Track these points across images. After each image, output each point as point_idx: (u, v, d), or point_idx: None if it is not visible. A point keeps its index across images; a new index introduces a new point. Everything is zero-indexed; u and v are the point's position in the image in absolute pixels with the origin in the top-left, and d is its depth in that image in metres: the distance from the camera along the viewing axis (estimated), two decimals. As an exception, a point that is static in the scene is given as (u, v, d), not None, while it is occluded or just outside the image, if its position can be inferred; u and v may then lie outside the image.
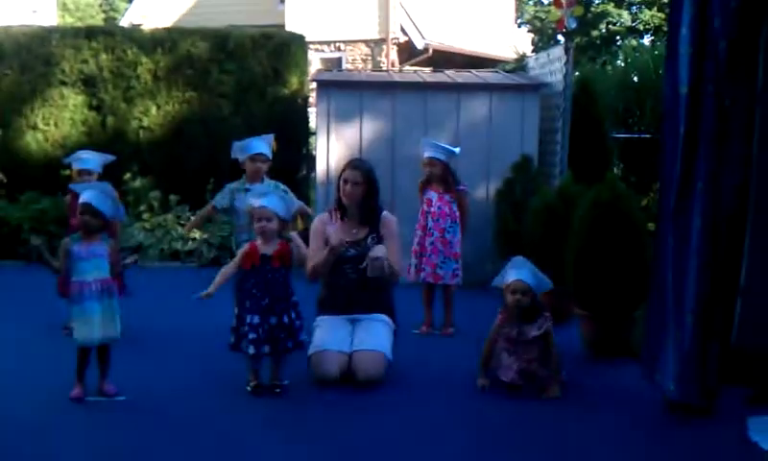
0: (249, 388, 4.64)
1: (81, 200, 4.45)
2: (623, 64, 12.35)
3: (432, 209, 6.21)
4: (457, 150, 6.42)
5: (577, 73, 9.55)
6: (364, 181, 5.16)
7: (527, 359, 4.72)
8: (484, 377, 4.85)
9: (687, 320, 4.11)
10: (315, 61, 17.08)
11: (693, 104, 4.06)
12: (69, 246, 4.41)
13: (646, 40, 18.38)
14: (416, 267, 6.22)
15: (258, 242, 4.67)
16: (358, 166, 5.24)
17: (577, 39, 13.82)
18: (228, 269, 4.71)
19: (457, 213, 6.24)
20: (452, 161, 6.33)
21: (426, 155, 6.23)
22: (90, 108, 10.25)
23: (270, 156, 5.81)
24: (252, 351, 4.57)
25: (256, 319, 4.57)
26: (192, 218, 6.00)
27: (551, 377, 4.71)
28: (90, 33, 10.30)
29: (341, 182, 5.21)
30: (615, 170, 9.63)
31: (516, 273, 4.84)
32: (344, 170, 5.24)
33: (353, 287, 5.13)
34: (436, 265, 6.15)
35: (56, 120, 10.18)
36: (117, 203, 4.59)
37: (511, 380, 4.73)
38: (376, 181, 5.26)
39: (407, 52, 19.45)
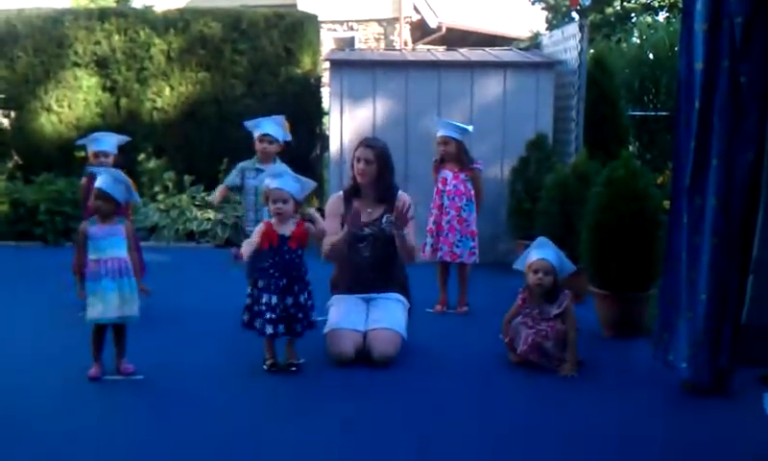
0: (265, 366, 4.66)
1: (95, 185, 4.48)
2: (638, 41, 12.23)
3: (447, 188, 6.19)
4: (470, 128, 6.39)
5: (591, 50, 9.47)
6: (376, 159, 5.15)
7: (542, 335, 4.73)
8: (514, 355, 4.87)
9: (701, 298, 4.09)
10: (327, 41, 17.01)
11: (708, 80, 4.02)
12: (87, 228, 4.44)
13: (661, 17, 18.16)
14: (431, 246, 6.21)
15: (273, 222, 4.67)
16: (371, 144, 5.24)
17: (591, 17, 13.70)
18: (250, 245, 4.68)
19: (472, 191, 6.22)
20: (466, 140, 6.31)
21: (440, 133, 6.21)
22: (104, 89, 10.28)
23: (280, 137, 5.76)
24: (269, 330, 4.59)
25: (274, 299, 4.58)
26: (214, 193, 5.97)
27: (563, 356, 4.71)
28: (103, 14, 10.32)
29: (354, 161, 5.21)
30: (630, 148, 9.57)
31: (540, 252, 4.85)
32: (357, 149, 5.24)
33: (368, 266, 5.14)
34: (453, 244, 6.14)
35: (70, 102, 10.22)
36: (130, 188, 4.60)
37: (522, 352, 4.76)
38: (390, 160, 5.25)
39: (420, 31, 19.35)
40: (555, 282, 4.81)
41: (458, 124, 6.33)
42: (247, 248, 4.62)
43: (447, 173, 6.21)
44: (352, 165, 5.25)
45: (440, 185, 6.24)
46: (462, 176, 6.20)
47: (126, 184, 4.56)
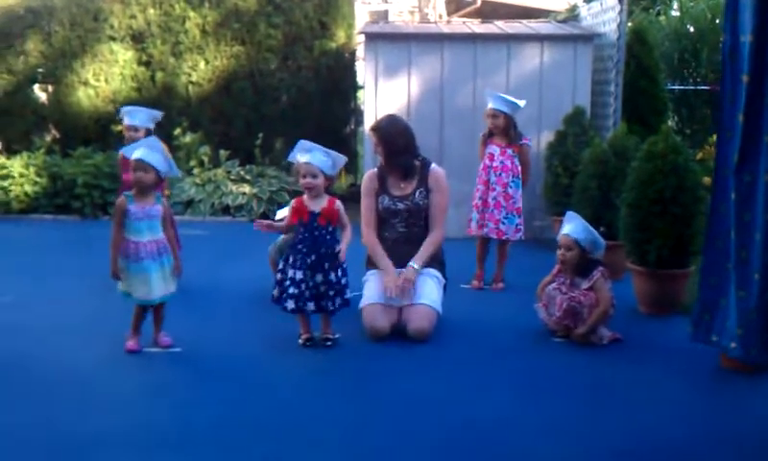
0: (300, 341, 4.68)
1: (132, 157, 4.48)
2: (677, 14, 11.99)
3: (494, 164, 6.11)
4: (522, 103, 6.26)
5: (630, 23, 9.31)
6: (381, 141, 5.13)
7: (576, 300, 4.72)
8: (549, 320, 4.90)
9: (754, 278, 3.99)
10: (361, 14, 16.92)
11: (758, 53, 3.91)
12: (125, 205, 4.44)
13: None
14: (477, 222, 6.16)
15: (305, 197, 4.67)
16: (374, 128, 5.24)
17: (630, -12, 13.48)
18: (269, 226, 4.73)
19: (519, 168, 6.15)
20: (516, 115, 6.20)
21: (490, 106, 6.10)
22: (140, 63, 10.33)
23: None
24: (290, 306, 4.59)
25: (299, 274, 4.58)
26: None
27: (591, 322, 4.72)
28: (138, -13, 10.33)
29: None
30: (669, 122, 9.41)
31: (566, 227, 4.88)
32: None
33: (403, 241, 5.12)
34: (499, 221, 6.08)
35: (106, 76, 10.29)
36: (166, 155, 4.60)
37: (557, 319, 4.78)
38: (400, 137, 5.15)
39: (455, 3, 19.13)
40: (582, 258, 4.81)
41: (509, 98, 6.22)
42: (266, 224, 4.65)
43: (494, 148, 6.13)
44: None
45: (486, 161, 6.15)
46: (509, 151, 6.11)
47: (160, 150, 4.55)
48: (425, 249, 5.05)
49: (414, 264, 4.97)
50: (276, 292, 4.70)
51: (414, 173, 5.16)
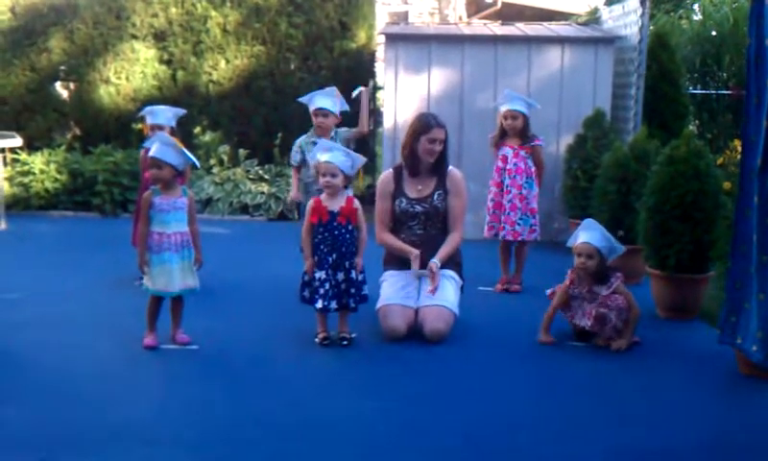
0: (317, 340, 4.68)
1: (148, 155, 4.54)
2: (700, 18, 11.92)
3: (508, 166, 6.09)
4: (538, 104, 6.26)
5: (652, 27, 9.25)
6: (444, 140, 5.11)
7: (605, 306, 4.67)
8: (546, 335, 4.84)
9: None
10: (382, 15, 16.91)
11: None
12: (152, 197, 4.49)
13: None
14: (489, 224, 6.15)
15: (323, 197, 4.68)
16: (441, 124, 5.10)
17: (651, -8, 13.41)
18: (305, 233, 4.72)
19: (533, 168, 6.13)
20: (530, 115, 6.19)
21: (509, 107, 6.06)
22: (161, 61, 10.37)
23: (335, 109, 5.72)
24: (319, 305, 4.61)
25: (323, 274, 4.60)
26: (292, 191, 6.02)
27: (622, 328, 4.68)
28: (161, -14, 10.37)
29: (423, 141, 5.04)
30: (691, 127, 9.35)
31: (584, 235, 4.80)
32: (425, 129, 5.04)
33: (420, 243, 5.10)
34: (514, 223, 6.07)
35: (127, 74, 10.34)
36: (178, 148, 4.61)
37: (587, 326, 4.74)
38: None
39: (475, 5, 19.11)
40: (601, 265, 4.76)
41: (526, 98, 6.20)
42: (305, 248, 4.71)
43: (507, 150, 6.11)
44: (411, 143, 5.12)
45: (499, 163, 6.14)
46: (522, 153, 6.09)
47: (172, 145, 4.58)
48: (445, 248, 5.03)
49: (435, 260, 4.95)
50: (306, 293, 4.71)
51: (441, 172, 5.15)
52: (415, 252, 4.98)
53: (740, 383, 4.22)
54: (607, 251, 4.78)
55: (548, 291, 5.04)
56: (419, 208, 5.10)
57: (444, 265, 5.12)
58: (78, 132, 10.61)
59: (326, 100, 5.68)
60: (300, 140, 5.84)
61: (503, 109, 6.11)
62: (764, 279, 4.03)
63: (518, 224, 6.06)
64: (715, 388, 4.18)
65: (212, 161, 9.76)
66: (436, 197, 5.10)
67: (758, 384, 4.14)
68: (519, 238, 6.10)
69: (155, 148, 4.51)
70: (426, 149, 5.04)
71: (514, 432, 3.58)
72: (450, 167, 5.21)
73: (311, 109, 5.70)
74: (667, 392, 4.11)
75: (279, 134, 9.83)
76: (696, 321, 5.34)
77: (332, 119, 5.69)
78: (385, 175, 5.34)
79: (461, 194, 5.16)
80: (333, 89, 5.81)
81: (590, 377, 4.33)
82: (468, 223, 5.80)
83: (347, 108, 5.82)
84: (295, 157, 5.85)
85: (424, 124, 5.07)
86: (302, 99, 5.82)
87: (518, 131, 6.07)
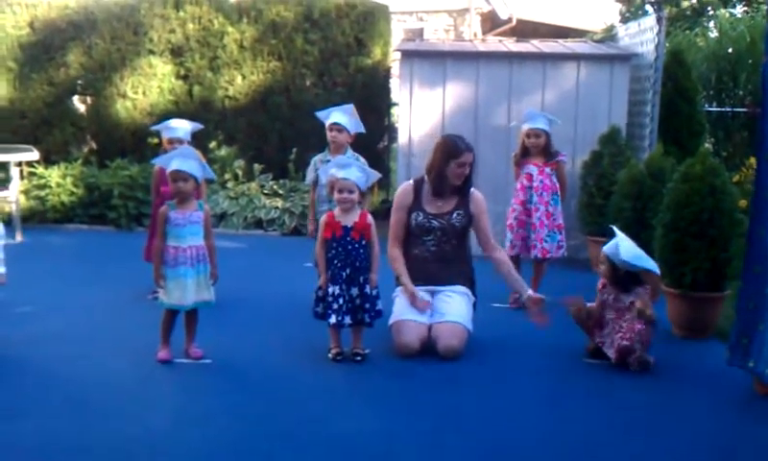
0: (330, 355, 4.68)
1: (169, 168, 4.53)
2: (716, 35, 11.90)
3: (534, 184, 6.10)
4: (558, 120, 6.32)
5: (668, 44, 9.24)
6: (472, 162, 5.12)
7: (627, 337, 4.63)
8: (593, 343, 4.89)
9: None
10: (397, 31, 16.99)
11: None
12: (167, 212, 4.50)
13: (738, 10, 17.62)
14: (511, 242, 6.14)
15: (336, 212, 4.68)
16: (471, 148, 5.11)
17: (667, 10, 13.37)
18: (318, 248, 4.72)
19: (557, 185, 6.13)
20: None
21: (532, 125, 6.09)
22: (177, 77, 10.45)
23: (349, 127, 5.74)
24: (333, 320, 4.61)
25: (336, 289, 4.60)
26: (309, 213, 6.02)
27: (646, 356, 4.65)
28: (178, 2, 10.44)
29: (453, 165, 5.03)
30: (706, 144, 9.31)
31: (607, 243, 4.84)
32: (455, 153, 5.03)
33: (434, 259, 5.10)
34: (543, 239, 6.08)
35: (144, 89, 10.41)
36: (200, 161, 4.64)
37: (612, 359, 4.71)
38: None
39: (490, 22, 19.18)
40: (616, 273, 4.77)
41: (548, 115, 6.23)
42: (319, 263, 4.74)
43: (532, 168, 6.12)
44: (440, 166, 5.08)
45: (524, 182, 6.14)
46: (547, 170, 6.11)
47: (195, 157, 4.60)
48: (513, 272, 5.21)
49: (532, 293, 5.03)
50: (320, 309, 4.71)
51: (463, 192, 5.16)
52: (411, 288, 4.99)
53: (755, 402, 4.18)
54: (617, 261, 4.74)
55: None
56: (435, 224, 5.09)
57: (457, 281, 5.12)
58: (94, 145, 10.69)
59: (343, 116, 5.70)
60: (316, 158, 5.85)
61: (526, 127, 6.12)
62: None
63: (546, 241, 6.06)
64: (730, 407, 4.14)
65: (227, 176, 9.81)
66: (455, 215, 5.10)
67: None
68: (549, 255, 6.09)
69: (178, 162, 4.52)
70: (455, 173, 5.05)
71: (527, 449, 3.56)
72: (472, 189, 5.20)
73: (327, 123, 5.71)
74: (682, 411, 4.07)
75: (294, 150, 9.87)
76: (712, 339, 5.30)
77: (346, 136, 5.70)
78: (404, 187, 5.32)
79: (485, 213, 5.20)
80: (351, 107, 5.83)
81: (604, 395, 4.29)
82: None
83: (362, 129, 5.82)
84: (310, 175, 5.86)
85: (454, 148, 5.06)
86: (320, 114, 5.84)
87: (542, 148, 6.08)
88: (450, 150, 5.06)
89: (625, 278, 4.76)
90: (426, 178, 5.18)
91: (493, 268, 5.22)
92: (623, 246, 4.73)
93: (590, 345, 4.88)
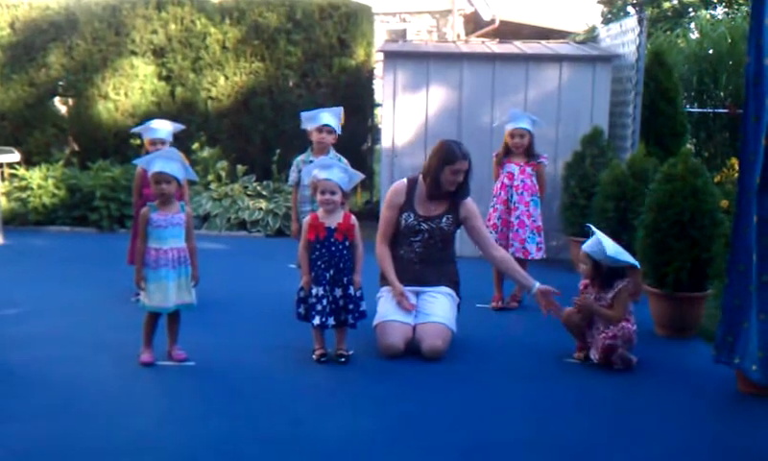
0: (314, 356, 4.67)
1: (151, 170, 4.50)
2: (697, 36, 11.98)
3: (515, 183, 6.11)
4: (542, 122, 6.35)
5: (649, 45, 9.29)
6: (468, 170, 5.10)
7: (611, 336, 4.65)
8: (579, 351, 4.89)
9: None
10: (380, 32, 16.98)
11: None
12: (149, 214, 4.48)
13: (719, 11, 17.77)
14: (495, 241, 6.14)
15: (320, 213, 4.68)
16: (467, 155, 5.07)
17: (648, 11, 13.46)
18: (302, 250, 4.71)
19: (536, 186, 6.15)
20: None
21: (516, 125, 6.12)
22: (160, 78, 10.40)
23: (338, 129, 5.77)
24: (316, 321, 4.60)
25: (320, 291, 4.59)
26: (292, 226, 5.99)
27: (629, 356, 4.67)
28: (160, 3, 10.41)
29: (447, 171, 4.99)
30: (688, 145, 9.37)
31: (585, 242, 4.86)
32: (450, 160, 4.98)
33: (419, 260, 5.11)
34: (524, 240, 6.08)
35: (126, 90, 10.37)
36: (183, 163, 4.63)
37: (595, 359, 4.73)
38: None
39: (473, 23, 19.21)
40: (597, 269, 4.78)
41: (532, 116, 6.26)
42: (303, 264, 4.71)
43: (514, 167, 6.13)
44: (435, 171, 5.03)
45: (505, 180, 6.16)
46: (528, 170, 6.13)
47: (178, 159, 4.58)
48: (519, 269, 5.13)
49: (539, 285, 4.96)
50: (302, 310, 4.71)
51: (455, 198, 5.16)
52: (400, 288, 4.99)
53: (739, 401, 4.21)
54: (599, 256, 4.75)
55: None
56: (424, 226, 5.09)
57: (442, 282, 5.12)
58: (76, 147, 10.62)
59: (332, 118, 5.73)
60: (298, 158, 5.85)
61: (509, 127, 6.14)
62: (765, 298, 4.02)
63: (527, 242, 6.07)
64: (714, 406, 4.16)
65: (210, 177, 9.77)
66: (444, 220, 5.10)
67: (758, 402, 4.14)
68: (529, 257, 6.09)
69: (161, 163, 4.49)
70: (449, 179, 5.03)
71: (510, 451, 3.56)
72: (468, 199, 5.18)
73: (314, 125, 5.71)
74: (666, 410, 4.09)
75: (278, 151, 9.86)
76: (695, 339, 5.34)
77: (333, 138, 5.73)
78: (397, 185, 5.28)
79: (478, 217, 5.22)
80: (340, 110, 5.85)
81: (587, 396, 4.31)
82: (465, 240, 5.81)
83: (339, 131, 5.84)
84: (292, 176, 5.86)
85: (450, 154, 5.01)
86: (306, 114, 5.82)
87: (525, 148, 6.11)
88: (446, 156, 5.03)
89: (608, 274, 4.78)
90: (422, 179, 5.18)
91: (497, 267, 5.28)
92: (606, 242, 4.76)
93: (581, 354, 4.86)
